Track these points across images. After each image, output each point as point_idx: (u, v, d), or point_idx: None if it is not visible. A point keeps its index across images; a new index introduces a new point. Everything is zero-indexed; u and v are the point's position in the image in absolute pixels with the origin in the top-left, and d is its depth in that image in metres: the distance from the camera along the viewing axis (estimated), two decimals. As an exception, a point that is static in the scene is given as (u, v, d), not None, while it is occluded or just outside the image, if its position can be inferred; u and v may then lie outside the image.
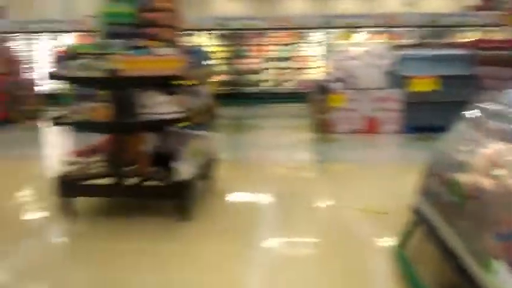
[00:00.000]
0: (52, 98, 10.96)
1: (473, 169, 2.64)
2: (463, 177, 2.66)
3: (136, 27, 9.83)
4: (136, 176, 4.37)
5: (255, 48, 13.21)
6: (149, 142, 4.88)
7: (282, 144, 8.23)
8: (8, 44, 13.33)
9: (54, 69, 4.29)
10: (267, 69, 13.21)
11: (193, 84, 4.93)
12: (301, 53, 13.17)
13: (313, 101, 9.23)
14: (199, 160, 4.78)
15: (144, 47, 4.46)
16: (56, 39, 13.64)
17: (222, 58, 13.18)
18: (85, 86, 4.48)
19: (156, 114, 4.14)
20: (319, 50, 13.03)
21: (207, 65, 9.24)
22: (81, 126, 4.25)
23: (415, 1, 20.34)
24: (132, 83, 4.15)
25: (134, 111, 4.20)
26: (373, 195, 5.08)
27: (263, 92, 13.18)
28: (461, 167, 2.77)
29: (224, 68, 13.26)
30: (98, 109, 4.27)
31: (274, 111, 11.92)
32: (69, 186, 4.37)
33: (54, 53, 6.14)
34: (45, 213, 4.58)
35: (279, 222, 4.44)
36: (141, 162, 4.37)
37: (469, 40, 12.52)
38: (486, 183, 2.47)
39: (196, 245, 3.90)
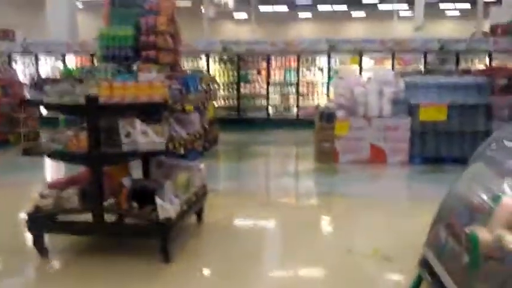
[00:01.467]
0: (52, 121, 10.66)
1: (493, 221, 2.21)
2: (481, 232, 2.22)
3: (135, 50, 9.58)
4: (115, 212, 3.96)
5: (260, 72, 12.90)
6: (130, 174, 4.50)
7: (284, 173, 7.79)
8: (8, 66, 13.17)
9: (31, 94, 3.93)
10: (272, 94, 12.87)
11: (183, 111, 4.55)
12: (307, 79, 12.83)
13: (318, 128, 8.83)
14: (187, 193, 4.38)
15: (131, 72, 4.09)
16: (60, 61, 13.44)
17: (226, 82, 12.88)
18: (61, 112, 4.12)
19: (136, 144, 3.75)
20: (325, 76, 12.69)
21: (203, 90, 8.91)
22: (54, 156, 3.86)
23: (424, 26, 20.07)
24: (110, 110, 3.78)
25: (113, 140, 3.82)
26: (379, 236, 4.62)
27: (267, 117, 12.81)
28: (479, 217, 2.34)
29: (228, 92, 12.94)
30: (75, 138, 3.90)
31: (278, 137, 11.53)
32: (39, 222, 3.98)
33: (31, 77, 5.86)
34: (19, 250, 4.17)
35: (274, 264, 4.00)
36: (121, 197, 3.96)
37: (481, 67, 12.14)
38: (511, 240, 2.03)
39: (176, 291, 3.48)
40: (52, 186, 4.25)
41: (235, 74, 12.78)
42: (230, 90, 12.91)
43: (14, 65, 13.53)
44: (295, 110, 12.86)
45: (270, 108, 12.86)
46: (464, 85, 8.19)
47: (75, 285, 3.59)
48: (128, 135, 3.79)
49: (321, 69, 12.78)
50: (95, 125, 3.78)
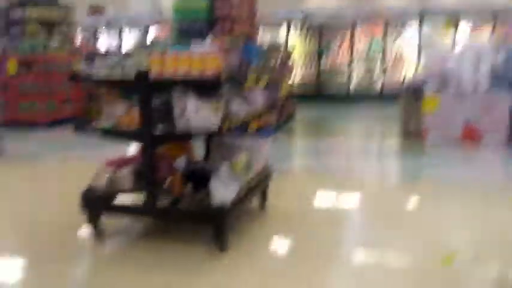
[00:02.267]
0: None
1: None
2: None
3: (210, 22, 9.28)
4: (166, 195, 3.70)
5: (342, 44, 12.15)
6: (191, 154, 4.20)
7: (365, 152, 7.19)
8: (93, 39, 13.55)
9: (82, 68, 3.72)
10: (355, 67, 12.08)
11: (246, 86, 4.15)
12: (393, 50, 11.87)
13: (404, 104, 8.05)
14: (247, 176, 4.00)
15: (186, 44, 3.74)
16: (144, 34, 13.60)
17: (306, 54, 12.29)
18: (111, 88, 3.88)
19: (189, 122, 3.41)
20: (414, 47, 11.65)
21: (278, 63, 8.43)
22: (105, 133, 3.64)
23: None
24: (161, 85, 3.47)
25: (166, 118, 3.51)
26: (473, 229, 3.98)
27: (349, 92, 12.07)
28: None
29: (308, 65, 12.35)
30: (127, 114, 3.65)
31: (360, 113, 10.81)
32: (93, 202, 3.82)
33: (84, 50, 5.68)
34: (73, 231, 4.07)
35: (340, 260, 3.54)
36: (174, 179, 3.68)
37: None
38: None
39: (231, 280, 3.15)
40: (109, 164, 4.07)
41: (316, 45, 12.13)
42: (310, 62, 12.30)
43: (99, 39, 13.92)
44: (379, 84, 12.00)
45: (352, 82, 12.11)
46: None
47: (130, 271, 3.39)
48: (181, 112, 3.46)
49: (411, 39, 11.75)
50: (146, 101, 3.49)
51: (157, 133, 3.52)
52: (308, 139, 8.56)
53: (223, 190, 3.57)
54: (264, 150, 4.39)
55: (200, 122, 3.42)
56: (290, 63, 10.05)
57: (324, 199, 4.99)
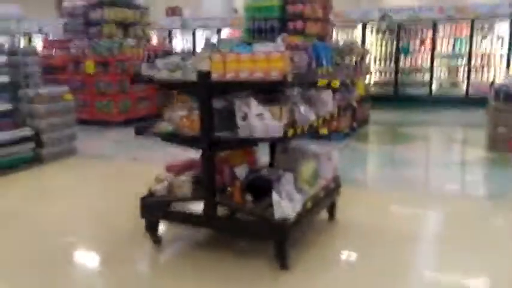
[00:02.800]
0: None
1: None
2: None
3: (282, 21, 9.01)
4: (225, 205, 3.46)
5: (423, 43, 11.41)
6: (253, 162, 3.94)
7: (444, 163, 6.58)
8: (168, 41, 13.74)
9: (143, 69, 3.57)
10: (437, 68, 11.29)
11: (316, 88, 3.83)
12: (480, 50, 10.95)
13: (492, 109, 7.32)
14: (313, 188, 3.68)
15: (251, 44, 3.48)
16: (215, 35, 13.61)
17: (384, 55, 11.67)
18: (171, 89, 3.71)
19: (251, 128, 3.15)
20: (504, 46, 10.67)
21: (353, 64, 7.97)
22: (165, 137, 3.47)
23: None
24: (223, 88, 3.23)
25: (228, 123, 3.28)
26: None
27: (430, 95, 11.30)
28: None
29: (385, 66, 11.72)
30: (187, 118, 3.46)
31: (442, 118, 10.06)
32: (152, 208, 3.67)
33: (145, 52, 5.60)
34: (133, 235, 3.95)
35: (426, 278, 3.12)
36: (234, 189, 3.44)
37: None
38: None
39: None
40: (169, 169, 3.92)
41: (394, 45, 11.48)
42: (388, 63, 11.66)
43: (173, 40, 14.11)
44: (464, 86, 11.13)
45: (433, 84, 11.33)
46: None
47: (184, 281, 3.20)
48: (244, 117, 3.21)
49: (501, 38, 10.79)
50: (207, 104, 3.27)
51: (218, 139, 3.29)
52: (383, 146, 8.03)
53: (286, 202, 3.27)
54: (333, 159, 4.04)
55: (263, 128, 3.14)
56: (366, 64, 9.55)
57: (398, 215, 4.54)
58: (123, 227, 4.16)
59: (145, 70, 3.52)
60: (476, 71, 11.03)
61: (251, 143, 3.37)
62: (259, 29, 8.35)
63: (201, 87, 3.23)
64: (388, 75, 11.71)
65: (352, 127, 8.33)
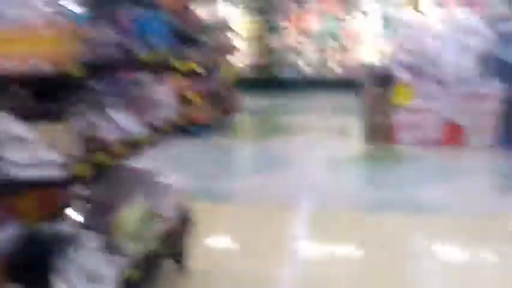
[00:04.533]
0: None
1: None
2: None
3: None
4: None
5: (293, 21, 10.50)
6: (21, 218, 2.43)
7: (318, 161, 5.61)
8: None
9: None
10: (307, 48, 10.50)
11: (138, 83, 2.46)
12: (353, 28, 10.35)
13: (368, 94, 6.58)
14: (145, 238, 2.33)
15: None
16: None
17: (251, 34, 10.57)
18: None
19: (6, 165, 1.67)
20: (376, 23, 10.18)
21: (212, 44, 6.69)
22: None
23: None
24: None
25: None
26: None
27: (302, 77, 10.49)
28: None
29: (253, 47, 10.64)
30: None
31: (316, 102, 9.29)
32: None
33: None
34: None
35: None
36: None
37: None
38: None
39: None
40: None
41: (263, 23, 10.44)
42: (258, 43, 10.61)
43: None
44: (336, 67, 10.50)
45: (305, 66, 10.53)
46: None
47: None
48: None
49: (368, 15, 10.26)
50: None
51: None
52: (255, 141, 6.88)
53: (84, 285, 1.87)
54: (177, 188, 2.71)
55: (25, 163, 1.68)
56: (232, 44, 8.35)
57: (264, 250, 3.36)
58: None
59: None
60: (348, 50, 10.44)
61: (9, 190, 1.87)
62: None
63: None
64: (259, 56, 10.65)
65: (219, 118, 7.10)
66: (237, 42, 10.28)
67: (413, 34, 6.38)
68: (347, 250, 3.23)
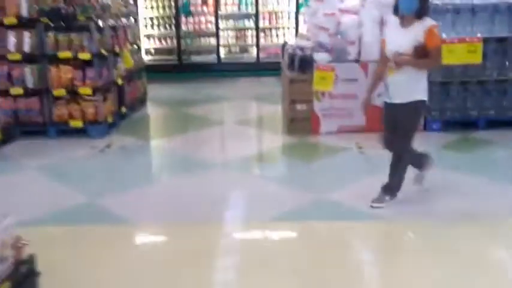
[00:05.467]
0: None
1: None
2: None
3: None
4: None
5: (205, 2, 9.64)
6: None
7: (236, 160, 4.93)
8: None
9: None
10: (223, 31, 9.71)
11: None
12: (267, 9, 9.67)
13: (287, 80, 5.95)
14: None
15: None
16: None
17: (160, 17, 9.60)
18: None
19: None
20: (291, 3, 9.58)
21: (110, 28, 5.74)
22: None
23: None
24: None
25: None
26: None
27: (218, 62, 9.70)
28: None
29: (163, 30, 9.69)
30: None
31: (233, 89, 8.57)
32: None
33: None
34: None
35: None
36: None
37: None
38: None
39: None
40: None
41: (173, 5, 9.50)
42: (167, 27, 9.66)
43: None
44: (254, 50, 9.80)
45: (221, 49, 9.74)
46: (506, 7, 5.35)
47: None
48: None
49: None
50: None
51: None
52: (162, 140, 6.04)
53: None
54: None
55: None
56: (134, 28, 7.42)
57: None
58: None
59: None
60: (265, 32, 9.76)
61: None
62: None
63: None
64: (169, 41, 9.71)
65: (119, 113, 6.21)
66: (143, 26, 9.34)
67: (331, 11, 5.79)
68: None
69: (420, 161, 3.76)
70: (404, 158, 3.58)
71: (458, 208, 3.57)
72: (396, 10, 3.38)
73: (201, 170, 4.60)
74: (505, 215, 3.48)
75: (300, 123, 5.64)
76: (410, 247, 3.17)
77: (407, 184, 3.69)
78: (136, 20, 7.82)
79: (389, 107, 3.54)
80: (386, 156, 3.68)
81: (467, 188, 3.95)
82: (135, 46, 7.29)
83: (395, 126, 3.51)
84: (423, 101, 3.45)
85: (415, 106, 3.42)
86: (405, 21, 3.33)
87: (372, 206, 3.58)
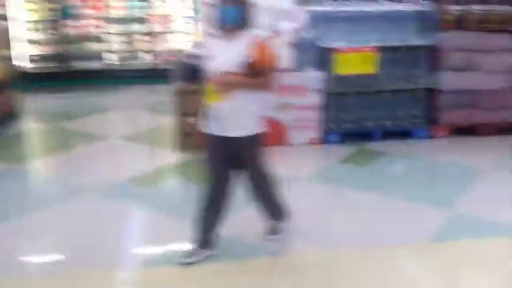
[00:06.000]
0: None
1: None
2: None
3: None
4: None
5: (90, 4, 8.81)
6: None
7: (120, 186, 4.34)
8: None
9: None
10: (112, 36, 8.93)
11: None
12: (162, 12, 9.06)
13: (178, 91, 5.46)
14: None
15: None
16: None
17: (41, 20, 8.62)
18: None
19: None
20: (187, 5, 9.05)
21: None
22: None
23: None
24: None
25: None
26: None
27: (106, 68, 8.89)
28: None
29: (44, 35, 8.71)
30: None
31: (123, 99, 7.89)
32: None
33: None
34: None
35: None
36: None
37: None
38: None
39: None
40: None
41: (55, 7, 8.56)
42: (48, 31, 8.69)
43: None
44: (146, 56, 9.13)
45: (109, 55, 8.96)
46: (402, 16, 5.29)
47: None
48: None
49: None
50: None
51: None
52: (32, 161, 5.26)
53: None
54: None
55: None
56: (9, 32, 6.51)
57: None
58: None
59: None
60: (157, 37, 9.14)
61: None
62: None
63: None
64: (50, 46, 8.74)
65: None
66: (19, 31, 8.32)
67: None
68: None
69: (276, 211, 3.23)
70: (264, 180, 3.10)
71: None
72: (216, 20, 2.87)
73: (71, 198, 3.94)
74: None
75: (192, 139, 5.16)
76: None
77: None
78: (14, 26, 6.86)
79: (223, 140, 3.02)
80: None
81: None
82: (6, 52, 6.37)
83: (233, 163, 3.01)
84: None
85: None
86: (228, 32, 2.86)
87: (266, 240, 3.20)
